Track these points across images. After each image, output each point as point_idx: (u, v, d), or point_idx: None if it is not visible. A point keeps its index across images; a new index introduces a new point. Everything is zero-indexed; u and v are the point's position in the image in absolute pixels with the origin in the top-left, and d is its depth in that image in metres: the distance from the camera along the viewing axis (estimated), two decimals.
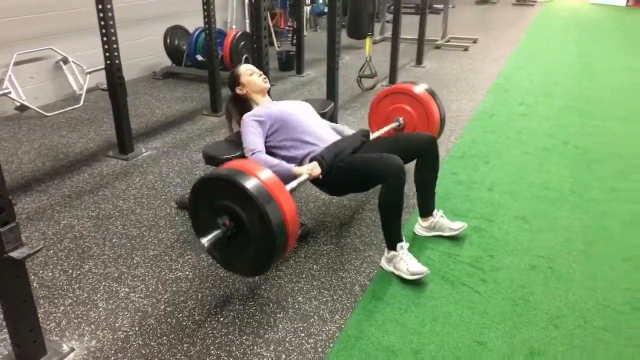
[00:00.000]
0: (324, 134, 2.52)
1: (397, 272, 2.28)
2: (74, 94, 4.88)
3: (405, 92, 3.04)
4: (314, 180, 2.39)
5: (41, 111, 4.40)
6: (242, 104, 2.65)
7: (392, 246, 2.30)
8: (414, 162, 2.58)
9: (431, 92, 3.05)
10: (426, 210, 2.60)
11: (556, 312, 2.11)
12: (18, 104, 4.28)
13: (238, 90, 2.63)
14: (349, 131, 2.77)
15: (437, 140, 3.15)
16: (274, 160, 2.36)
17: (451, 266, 2.39)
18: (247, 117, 2.50)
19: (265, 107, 2.56)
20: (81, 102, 4.71)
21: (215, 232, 1.90)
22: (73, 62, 4.82)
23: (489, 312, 2.10)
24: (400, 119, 3.04)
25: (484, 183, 3.22)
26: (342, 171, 2.34)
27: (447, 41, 7.66)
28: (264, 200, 1.81)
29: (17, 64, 4.38)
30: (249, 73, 2.61)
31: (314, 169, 2.29)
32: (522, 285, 2.28)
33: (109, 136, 4.00)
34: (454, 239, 2.59)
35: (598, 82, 5.72)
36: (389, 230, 2.30)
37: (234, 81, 2.64)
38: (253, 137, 2.43)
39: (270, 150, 2.50)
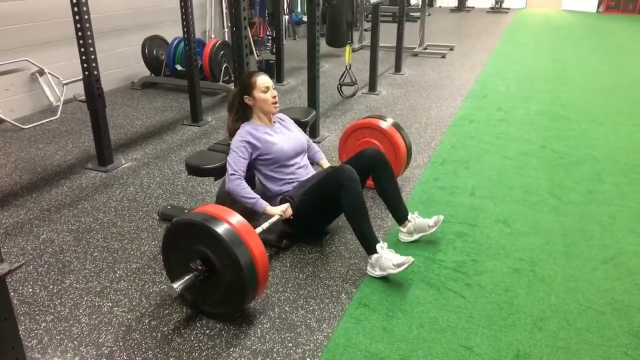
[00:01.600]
0: (303, 173, 2.66)
1: (385, 273, 2.30)
2: (50, 105, 4.81)
3: (372, 126, 3.15)
4: (288, 223, 2.55)
5: (17, 124, 4.32)
6: (245, 110, 2.64)
7: (371, 250, 2.33)
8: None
9: (396, 126, 3.16)
10: (400, 216, 2.63)
11: (540, 315, 2.14)
12: None
13: (247, 100, 2.58)
14: (324, 161, 2.89)
15: (416, 152, 3.22)
16: (253, 194, 2.49)
17: (436, 271, 2.41)
18: (248, 128, 2.56)
19: (267, 132, 2.59)
20: (58, 114, 4.63)
21: (187, 277, 1.96)
22: (49, 73, 4.75)
23: (474, 316, 2.12)
24: None
25: (466, 188, 3.26)
26: (306, 202, 2.49)
27: (425, 49, 7.76)
28: (234, 245, 1.90)
29: None
30: (264, 89, 2.54)
31: (287, 210, 2.47)
32: (506, 288, 2.31)
33: (88, 148, 3.95)
34: (438, 244, 2.61)
35: (572, 87, 5.86)
36: (363, 234, 2.34)
37: (247, 88, 2.56)
38: (238, 157, 2.50)
39: (255, 167, 2.62)
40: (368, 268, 2.38)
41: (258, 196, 2.49)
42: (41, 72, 4.73)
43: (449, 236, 2.69)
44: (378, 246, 2.31)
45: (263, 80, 2.56)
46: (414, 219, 2.62)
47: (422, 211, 2.74)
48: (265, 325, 2.08)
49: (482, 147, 3.97)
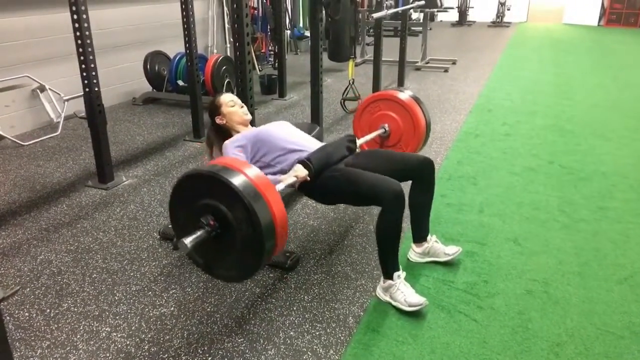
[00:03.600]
0: (307, 140, 2.45)
1: (394, 303, 2.21)
2: (51, 122, 4.76)
3: (390, 98, 2.97)
4: (303, 187, 2.30)
5: (17, 140, 4.27)
6: (223, 133, 2.57)
7: (388, 275, 2.23)
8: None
9: (416, 99, 2.99)
10: (420, 235, 2.54)
11: (556, 339, 2.05)
12: None
13: (218, 120, 2.55)
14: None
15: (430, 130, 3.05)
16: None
17: (446, 293, 2.33)
18: (228, 144, 2.44)
19: (244, 133, 2.49)
20: (59, 131, 4.58)
21: (199, 233, 1.74)
22: (50, 89, 4.70)
23: (488, 341, 2.04)
24: (386, 125, 2.98)
25: (474, 205, 3.19)
26: (336, 181, 2.25)
27: (427, 63, 7.74)
28: (251, 198, 1.69)
29: None
30: (230, 104, 2.53)
31: (299, 170, 2.22)
32: (520, 311, 2.22)
33: (88, 165, 3.89)
34: (447, 264, 2.53)
35: (577, 100, 5.81)
36: (386, 258, 2.22)
37: (214, 110, 2.56)
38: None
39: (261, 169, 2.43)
40: (378, 289, 2.30)
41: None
42: (42, 89, 4.68)
43: (459, 256, 2.61)
44: (395, 274, 2.21)
45: (225, 96, 2.55)
46: (432, 241, 2.53)
47: (430, 229, 2.66)
48: (270, 352, 1.99)
49: (488, 162, 3.91)
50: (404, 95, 2.97)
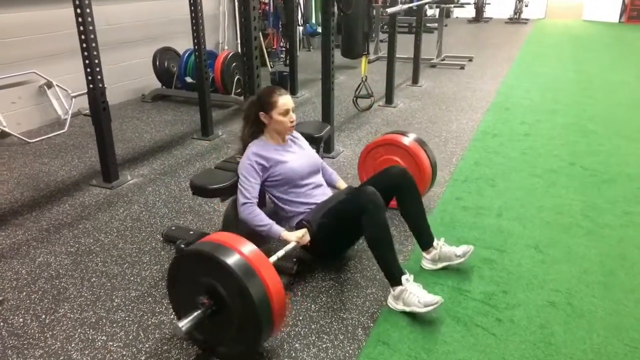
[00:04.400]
0: (320, 194, 2.46)
1: (408, 309, 2.07)
2: (58, 119, 4.69)
3: (394, 143, 2.93)
4: (304, 247, 2.34)
5: (23, 137, 4.20)
6: (258, 125, 2.42)
7: (396, 281, 2.10)
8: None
9: (420, 142, 2.94)
10: (425, 242, 2.41)
11: (581, 356, 1.90)
12: None
13: (262, 117, 2.37)
14: (341, 182, 2.70)
15: (437, 168, 3.00)
16: (266, 219, 2.30)
17: (462, 304, 2.19)
18: (255, 149, 2.36)
19: (277, 150, 2.40)
20: (66, 128, 4.51)
21: (194, 314, 1.76)
22: (57, 86, 4.64)
23: (507, 358, 1.89)
24: None
25: (492, 208, 3.03)
26: (325, 226, 2.28)
27: (443, 60, 7.56)
28: (244, 275, 1.71)
29: None
30: (283, 112, 2.33)
31: (303, 236, 2.27)
32: (541, 325, 2.07)
33: (94, 163, 3.80)
34: (463, 272, 2.39)
35: (598, 99, 5.59)
36: (387, 264, 2.12)
37: (267, 105, 2.34)
38: (249, 183, 2.32)
39: (267, 190, 2.44)
40: (389, 300, 2.16)
41: (271, 222, 2.29)
42: (49, 85, 4.62)
43: (476, 263, 2.47)
44: (403, 278, 2.09)
45: (284, 101, 2.34)
46: (440, 246, 2.39)
47: (444, 234, 2.52)
48: None
49: (507, 163, 3.74)
50: (407, 139, 2.92)
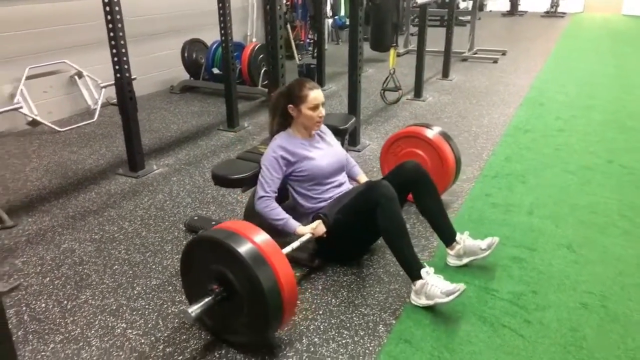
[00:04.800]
0: (341, 190, 2.41)
1: (432, 302, 2.00)
2: (88, 108, 4.75)
3: (417, 135, 2.84)
4: (320, 244, 2.29)
5: (54, 126, 4.27)
6: (286, 117, 2.37)
7: (416, 276, 2.04)
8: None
9: (444, 135, 2.85)
10: (447, 238, 2.33)
11: None
12: (30, 119, 4.15)
13: (290, 110, 2.31)
14: (362, 176, 2.62)
15: (466, 164, 2.90)
16: (283, 214, 2.26)
17: (489, 304, 2.10)
18: (281, 142, 2.31)
19: (303, 145, 2.34)
20: (95, 117, 4.57)
21: (204, 300, 1.75)
22: (87, 75, 4.70)
23: None
24: None
25: (522, 206, 2.92)
26: (340, 223, 2.23)
27: (475, 53, 7.38)
28: (254, 263, 1.69)
29: (29, 78, 4.27)
30: (313, 107, 2.27)
31: (318, 227, 2.22)
32: (573, 327, 1.97)
33: (121, 153, 3.82)
34: (491, 271, 2.30)
35: (638, 95, 5.35)
36: (404, 258, 2.07)
37: (296, 98, 2.27)
38: (270, 176, 2.27)
39: (288, 182, 2.38)
40: (412, 296, 2.10)
41: (288, 216, 2.26)
42: (80, 75, 4.68)
43: (504, 261, 2.37)
44: (423, 271, 2.03)
45: (315, 96, 2.26)
46: (464, 240, 2.31)
47: (473, 231, 2.42)
48: None
49: (540, 159, 3.60)
50: (431, 132, 2.82)
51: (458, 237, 2.32)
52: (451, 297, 1.95)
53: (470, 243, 2.30)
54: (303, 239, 2.17)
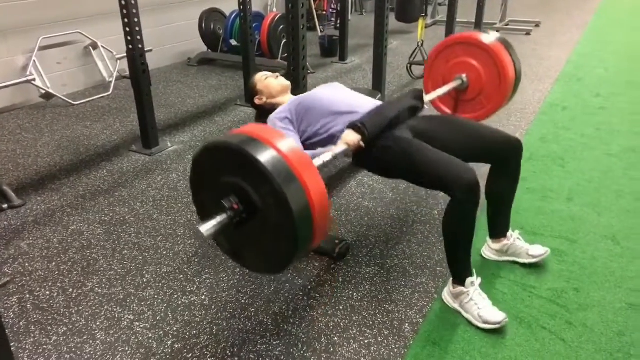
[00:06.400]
0: (361, 101, 2.04)
1: (465, 315, 1.82)
2: (103, 81, 4.61)
3: (471, 42, 2.43)
4: (356, 157, 1.92)
5: (67, 99, 4.14)
6: (268, 113, 2.16)
7: (459, 280, 1.84)
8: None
9: (505, 42, 2.44)
10: (499, 230, 2.11)
11: None
12: (43, 91, 4.03)
13: (257, 101, 2.23)
14: None
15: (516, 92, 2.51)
16: (311, 153, 1.88)
17: (527, 302, 1.91)
18: (272, 118, 2.07)
19: (289, 101, 2.13)
20: (110, 90, 4.42)
21: (219, 218, 1.41)
22: (103, 47, 4.54)
23: None
24: (464, 76, 2.46)
25: (561, 192, 2.70)
26: (393, 155, 1.84)
27: (507, 25, 6.99)
28: (282, 178, 1.34)
29: (42, 48, 4.13)
30: (263, 78, 2.25)
31: (350, 135, 1.81)
32: (619, 331, 1.78)
33: (135, 128, 3.68)
34: (529, 265, 2.10)
35: None
36: (456, 261, 1.84)
37: (252, 92, 2.28)
38: (288, 134, 1.98)
39: (309, 144, 2.05)
40: (445, 293, 1.92)
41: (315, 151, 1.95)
42: (94, 46, 4.53)
43: (545, 258, 2.17)
44: (469, 280, 1.82)
45: (259, 74, 2.29)
46: (514, 239, 2.10)
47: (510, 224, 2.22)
48: None
49: (579, 140, 3.34)
50: (489, 37, 2.41)
51: (509, 233, 2.12)
52: (487, 327, 1.76)
53: (520, 244, 2.10)
54: (336, 150, 1.78)
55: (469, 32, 2.53)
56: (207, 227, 1.38)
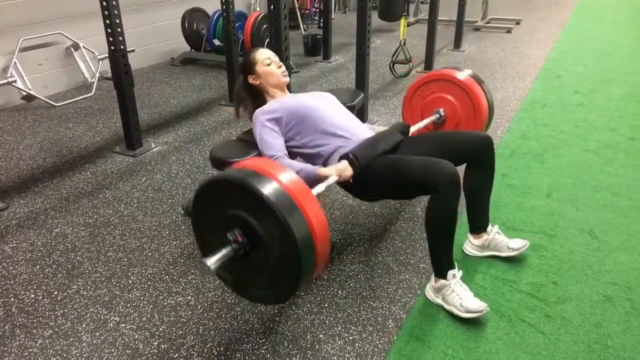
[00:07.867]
0: (354, 125, 2.11)
1: (447, 307, 1.86)
2: (85, 82, 4.58)
3: (445, 78, 2.56)
4: (343, 183, 1.97)
5: (49, 101, 4.11)
6: (255, 94, 2.24)
7: (441, 274, 1.88)
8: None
9: (476, 78, 2.57)
10: (479, 225, 2.15)
11: None
12: (24, 93, 3.99)
13: (251, 80, 2.21)
14: (380, 129, 2.33)
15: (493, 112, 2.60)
16: (298, 165, 1.96)
17: (507, 296, 1.96)
18: (259, 114, 2.09)
19: (280, 101, 2.15)
20: (92, 91, 4.40)
21: (224, 251, 1.48)
22: (84, 47, 4.51)
23: None
24: (441, 110, 2.57)
25: (540, 188, 2.75)
26: (379, 174, 1.92)
27: (488, 22, 7.08)
28: (285, 209, 1.40)
29: (23, 50, 4.09)
30: (266, 62, 2.18)
31: (345, 169, 1.87)
32: (597, 323, 1.83)
33: (118, 129, 3.67)
34: (509, 260, 2.15)
35: None
36: (438, 254, 1.87)
37: (248, 68, 2.21)
38: (270, 139, 2.03)
39: (292, 152, 2.11)
40: (427, 289, 1.95)
41: (304, 164, 1.98)
42: (76, 47, 4.49)
43: (525, 251, 2.22)
44: (450, 273, 1.86)
45: (262, 52, 2.22)
46: (494, 233, 2.15)
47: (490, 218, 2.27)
48: (294, 358, 1.71)
49: (558, 137, 3.41)
50: (462, 74, 2.54)
51: (489, 228, 2.17)
52: (469, 316, 1.81)
53: (500, 239, 2.14)
54: (328, 181, 1.84)
55: (443, 69, 2.63)
56: (212, 260, 1.44)
